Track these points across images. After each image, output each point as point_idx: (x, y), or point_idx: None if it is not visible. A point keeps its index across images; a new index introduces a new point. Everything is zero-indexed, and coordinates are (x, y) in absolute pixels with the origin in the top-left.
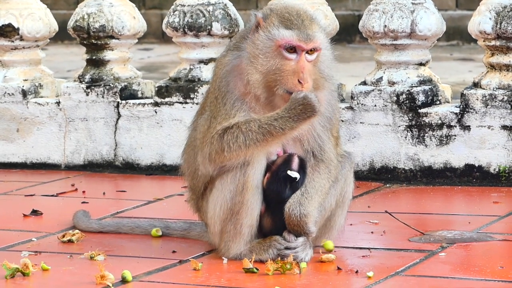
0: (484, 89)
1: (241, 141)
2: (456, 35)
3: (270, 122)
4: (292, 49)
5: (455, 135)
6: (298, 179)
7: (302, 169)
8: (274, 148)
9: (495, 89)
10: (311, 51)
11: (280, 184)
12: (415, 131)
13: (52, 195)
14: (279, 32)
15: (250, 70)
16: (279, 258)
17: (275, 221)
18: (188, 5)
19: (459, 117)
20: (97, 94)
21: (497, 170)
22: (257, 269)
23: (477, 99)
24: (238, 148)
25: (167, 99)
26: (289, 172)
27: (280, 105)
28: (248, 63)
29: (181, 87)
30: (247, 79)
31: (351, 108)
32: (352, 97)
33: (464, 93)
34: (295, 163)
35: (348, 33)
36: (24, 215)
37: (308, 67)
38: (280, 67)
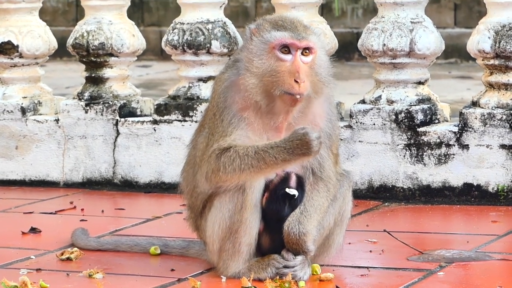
0: (482, 108)
1: (237, 164)
2: (455, 53)
3: (266, 149)
4: (286, 49)
5: (453, 154)
6: (296, 196)
7: (300, 186)
8: (267, 176)
9: (493, 108)
10: (306, 52)
11: (279, 202)
12: (414, 150)
13: (51, 213)
14: (271, 34)
15: (246, 76)
16: (277, 277)
17: (274, 240)
18: (188, 23)
19: (458, 136)
20: (96, 111)
21: (495, 189)
22: None
23: (476, 118)
24: (233, 171)
25: (166, 117)
26: (287, 190)
27: (280, 112)
28: (244, 73)
29: (180, 105)
30: (244, 89)
31: (350, 126)
32: (351, 116)
33: (462, 112)
34: (293, 180)
35: (347, 50)
36: (23, 233)
37: (304, 68)
38: (275, 68)
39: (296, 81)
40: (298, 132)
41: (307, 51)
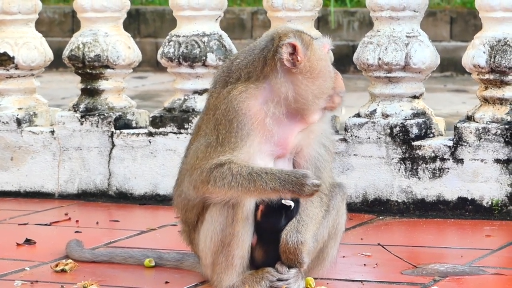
0: (477, 122)
1: (227, 181)
2: (450, 66)
3: (260, 173)
4: None
5: (448, 168)
6: (292, 207)
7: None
8: (251, 199)
9: (488, 122)
10: None
11: (275, 214)
12: (408, 163)
13: (46, 224)
14: (319, 41)
15: (318, 84)
16: None
17: (267, 253)
18: (183, 36)
19: (452, 150)
20: (92, 123)
21: (490, 203)
22: None
23: (471, 133)
24: (222, 186)
25: (161, 129)
26: (283, 201)
27: (298, 125)
28: (296, 91)
29: (175, 118)
30: (263, 101)
31: (344, 140)
32: (346, 129)
33: (457, 126)
34: None
35: (342, 63)
36: (17, 244)
37: None
38: (332, 83)
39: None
40: (299, 171)
41: None
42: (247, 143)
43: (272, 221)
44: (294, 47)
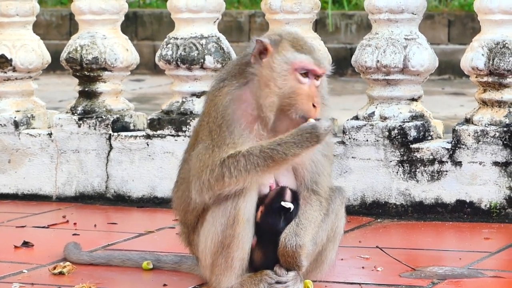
0: (476, 125)
1: (242, 165)
2: (448, 69)
3: (273, 147)
4: (305, 73)
5: (446, 171)
6: (292, 209)
7: (295, 200)
8: (273, 174)
9: (487, 125)
10: (318, 77)
11: (274, 216)
12: (407, 166)
13: (43, 227)
14: (294, 56)
15: (264, 93)
16: None
17: (266, 255)
18: (181, 38)
19: (451, 152)
20: (89, 126)
21: (488, 206)
22: None
23: (469, 135)
24: (239, 173)
25: (159, 132)
26: (282, 203)
27: (285, 130)
28: (258, 88)
29: (173, 120)
30: (252, 102)
31: (343, 142)
32: (344, 132)
33: (456, 129)
34: (288, 194)
35: (340, 66)
36: (15, 247)
37: (317, 91)
38: (295, 90)
39: (314, 106)
40: (306, 125)
41: (321, 75)
42: (242, 142)
43: (271, 222)
44: (265, 48)
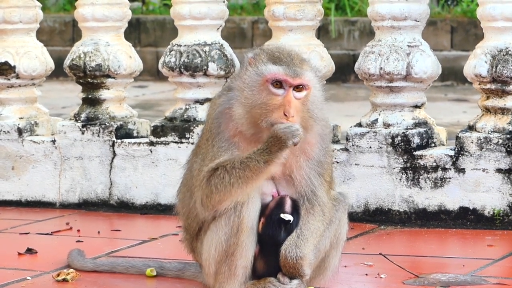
0: (479, 132)
1: (227, 180)
2: (451, 75)
3: (249, 156)
4: (279, 84)
5: (449, 178)
6: (292, 221)
7: (295, 210)
8: (255, 186)
9: (490, 132)
10: (298, 88)
11: (274, 228)
12: (410, 173)
13: (47, 234)
14: (266, 67)
15: (235, 105)
16: None
17: (269, 263)
18: (185, 45)
19: (454, 160)
20: (93, 133)
21: (491, 213)
22: None
23: (472, 142)
24: (224, 188)
25: (162, 139)
26: (282, 215)
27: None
28: (233, 102)
29: (176, 127)
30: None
31: (346, 149)
32: (347, 139)
33: (459, 136)
34: (288, 205)
35: (343, 72)
36: (19, 254)
37: (296, 104)
38: (266, 101)
39: (285, 115)
40: (272, 130)
41: (301, 86)
42: (221, 155)
43: (272, 234)
44: (249, 62)
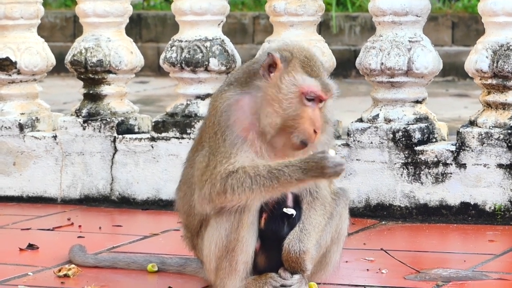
0: (480, 127)
1: (247, 185)
2: (452, 70)
3: (280, 168)
4: (311, 97)
5: (451, 173)
6: (294, 215)
7: (297, 205)
8: (275, 196)
9: (491, 127)
10: (321, 101)
11: (277, 222)
12: (411, 168)
13: (48, 229)
14: (303, 79)
15: (266, 112)
16: None
17: (270, 259)
18: (186, 41)
19: (455, 155)
20: (94, 128)
21: (492, 208)
22: None
23: (473, 137)
24: (243, 191)
25: (163, 134)
26: (285, 210)
27: (284, 148)
28: (261, 103)
29: (177, 123)
30: (248, 110)
31: (347, 145)
32: (348, 134)
33: (460, 131)
34: (290, 200)
35: (344, 68)
36: (20, 249)
37: (320, 115)
38: (300, 113)
39: (315, 132)
40: (317, 155)
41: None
42: (236, 152)
43: (275, 229)
44: (275, 63)
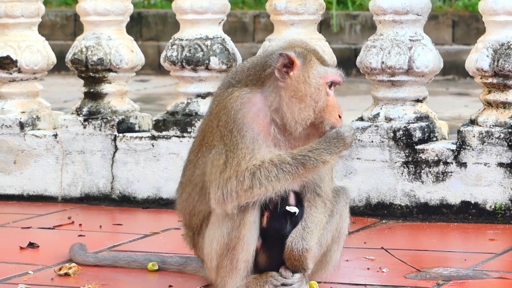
0: (480, 126)
1: (273, 175)
2: (452, 69)
3: (305, 154)
4: (331, 85)
5: (451, 172)
6: (297, 213)
7: (299, 203)
8: (299, 183)
9: (491, 126)
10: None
11: (280, 221)
12: (412, 167)
13: (49, 228)
14: (325, 70)
15: (301, 107)
16: None
17: (271, 258)
18: (186, 39)
19: (456, 154)
20: (95, 127)
21: (493, 207)
22: None
23: (474, 136)
24: (269, 182)
25: (164, 133)
26: (287, 208)
27: (306, 140)
28: (289, 101)
29: (178, 121)
30: (263, 107)
31: None
32: None
33: (460, 130)
34: (292, 198)
35: (345, 66)
36: (21, 248)
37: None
38: (327, 103)
39: (340, 116)
40: (332, 132)
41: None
42: (259, 147)
43: (278, 227)
44: (291, 61)
